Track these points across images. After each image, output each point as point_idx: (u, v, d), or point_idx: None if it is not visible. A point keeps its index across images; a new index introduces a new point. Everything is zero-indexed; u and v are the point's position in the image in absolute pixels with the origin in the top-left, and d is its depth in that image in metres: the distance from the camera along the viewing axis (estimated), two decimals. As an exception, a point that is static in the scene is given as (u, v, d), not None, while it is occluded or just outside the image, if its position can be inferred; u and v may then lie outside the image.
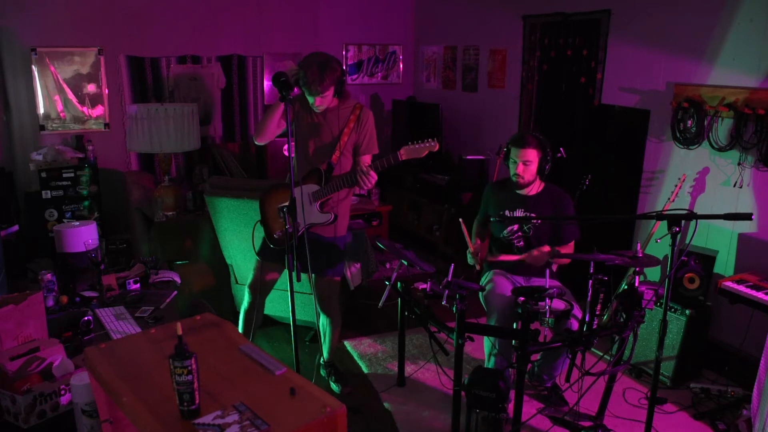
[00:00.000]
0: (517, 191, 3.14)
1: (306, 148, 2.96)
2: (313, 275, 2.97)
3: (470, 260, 3.25)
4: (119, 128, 5.28)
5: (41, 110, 5.07)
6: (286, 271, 3.08)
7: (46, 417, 1.84)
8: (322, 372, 3.39)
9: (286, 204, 2.54)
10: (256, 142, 2.99)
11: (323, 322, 3.22)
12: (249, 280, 3.14)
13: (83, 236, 2.77)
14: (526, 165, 3.02)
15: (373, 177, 2.77)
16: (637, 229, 4.16)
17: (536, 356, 3.12)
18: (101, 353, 1.63)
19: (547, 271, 2.76)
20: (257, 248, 3.06)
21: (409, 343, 3.59)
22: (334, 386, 3.29)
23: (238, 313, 3.24)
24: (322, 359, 3.39)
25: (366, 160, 2.96)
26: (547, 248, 2.98)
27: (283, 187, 2.95)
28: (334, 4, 6.13)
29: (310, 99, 2.81)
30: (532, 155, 3.01)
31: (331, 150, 2.92)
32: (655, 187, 3.96)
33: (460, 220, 3.31)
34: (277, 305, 3.76)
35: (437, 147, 2.77)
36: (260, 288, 3.10)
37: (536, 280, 3.10)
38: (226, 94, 5.77)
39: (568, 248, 3.13)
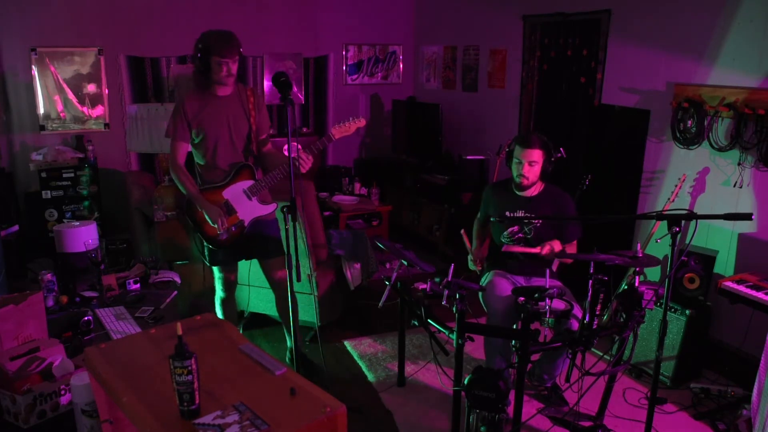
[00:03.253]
0: (518, 193, 3.13)
1: (222, 143, 2.87)
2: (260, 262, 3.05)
3: (471, 266, 3.27)
4: (119, 128, 5.28)
5: (41, 110, 5.07)
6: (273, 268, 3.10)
7: (46, 417, 1.84)
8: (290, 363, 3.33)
9: (287, 204, 2.54)
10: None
11: (288, 306, 3.11)
12: (219, 283, 3.16)
13: (83, 236, 2.77)
14: (531, 165, 3.00)
15: (311, 160, 2.81)
16: (637, 229, 4.16)
17: (536, 356, 3.12)
18: (101, 353, 1.63)
19: (548, 270, 2.76)
20: (207, 258, 3.04)
21: (409, 343, 3.59)
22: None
23: (239, 312, 3.23)
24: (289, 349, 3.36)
25: (265, 139, 3.01)
26: (558, 245, 3.00)
27: (208, 191, 2.90)
28: (334, 4, 6.13)
29: (215, 76, 2.74)
30: (538, 155, 2.99)
31: (247, 139, 2.92)
32: (655, 187, 3.96)
33: (462, 231, 3.33)
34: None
35: (364, 123, 2.89)
36: (226, 287, 3.15)
37: (537, 280, 3.10)
38: (226, 94, 5.77)
39: (572, 247, 3.13)
